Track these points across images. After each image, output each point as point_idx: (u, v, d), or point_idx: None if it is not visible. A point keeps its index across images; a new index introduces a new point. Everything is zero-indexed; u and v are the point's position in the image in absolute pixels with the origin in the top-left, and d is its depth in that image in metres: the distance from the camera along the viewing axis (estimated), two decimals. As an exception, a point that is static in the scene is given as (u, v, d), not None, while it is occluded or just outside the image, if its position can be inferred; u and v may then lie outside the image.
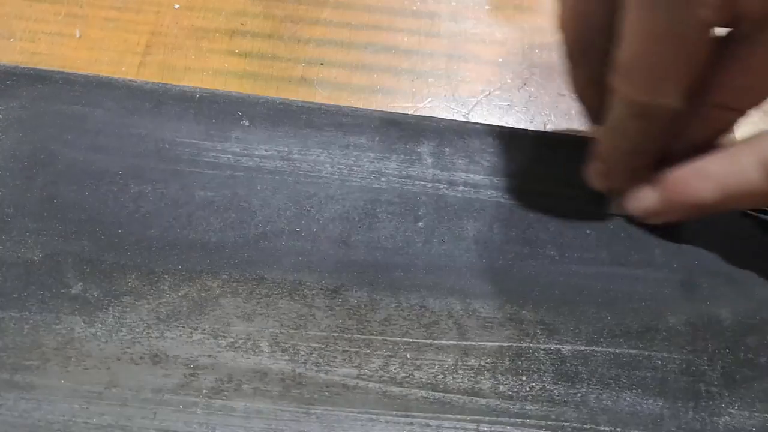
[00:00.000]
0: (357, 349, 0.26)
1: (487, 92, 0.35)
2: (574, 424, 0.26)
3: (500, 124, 0.33)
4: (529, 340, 0.27)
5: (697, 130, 0.28)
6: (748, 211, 0.30)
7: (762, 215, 0.30)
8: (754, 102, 0.27)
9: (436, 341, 0.27)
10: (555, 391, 0.26)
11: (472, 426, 0.25)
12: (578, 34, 0.26)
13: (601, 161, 0.29)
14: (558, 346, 0.27)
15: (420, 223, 0.29)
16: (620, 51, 0.24)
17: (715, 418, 0.26)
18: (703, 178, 0.26)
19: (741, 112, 0.27)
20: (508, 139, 0.31)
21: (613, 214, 0.30)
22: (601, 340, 0.27)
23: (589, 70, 0.27)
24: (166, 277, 0.27)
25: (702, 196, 0.27)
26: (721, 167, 0.26)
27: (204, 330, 0.26)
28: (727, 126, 0.28)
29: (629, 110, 0.26)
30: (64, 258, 0.27)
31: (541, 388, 0.26)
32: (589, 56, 0.26)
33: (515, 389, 0.26)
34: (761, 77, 0.26)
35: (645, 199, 0.29)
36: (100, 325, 0.26)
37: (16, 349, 0.25)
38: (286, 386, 0.26)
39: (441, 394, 0.26)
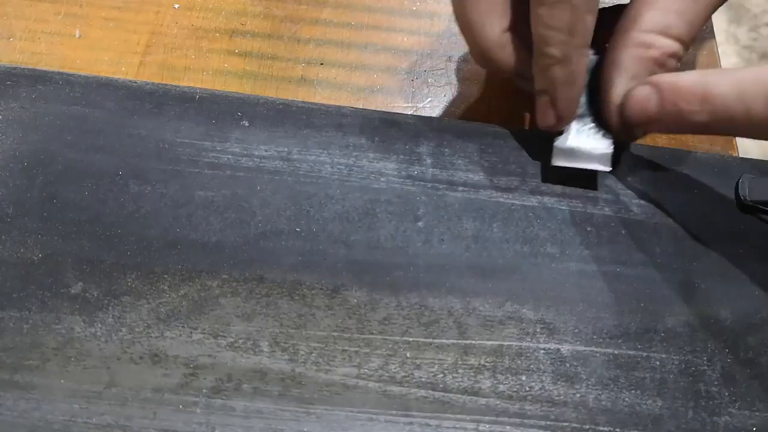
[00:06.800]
0: (357, 349, 0.26)
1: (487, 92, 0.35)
2: (574, 425, 0.26)
3: (499, 124, 0.33)
4: (529, 339, 0.27)
5: None
6: (748, 211, 0.30)
7: (762, 215, 0.30)
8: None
9: (435, 340, 0.27)
10: (554, 391, 0.26)
11: (472, 425, 0.25)
12: None
13: (543, 92, 0.29)
14: (558, 346, 0.27)
15: (420, 223, 0.29)
16: None
17: (715, 417, 0.26)
18: (702, 100, 0.24)
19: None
20: (508, 139, 0.31)
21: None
22: (600, 340, 0.27)
23: None
24: (166, 277, 0.27)
25: (697, 119, 0.25)
26: (724, 92, 0.24)
27: (204, 330, 0.26)
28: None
29: None
30: (64, 258, 0.27)
31: (540, 388, 0.26)
32: None
33: (515, 389, 0.26)
34: None
35: (643, 98, 0.26)
36: (100, 325, 0.26)
37: (16, 349, 0.25)
38: (285, 386, 0.26)
39: (441, 393, 0.26)
